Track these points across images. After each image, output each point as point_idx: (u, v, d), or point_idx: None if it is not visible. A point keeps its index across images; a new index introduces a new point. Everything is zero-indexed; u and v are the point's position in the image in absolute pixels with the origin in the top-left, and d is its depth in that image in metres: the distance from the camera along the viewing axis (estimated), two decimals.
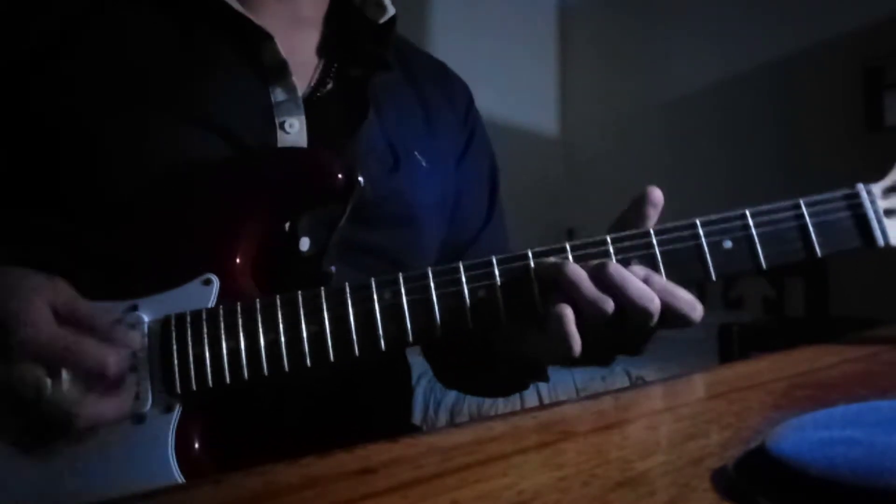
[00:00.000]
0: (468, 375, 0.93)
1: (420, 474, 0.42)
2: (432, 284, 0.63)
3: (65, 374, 0.58)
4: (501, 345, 0.77)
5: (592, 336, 0.61)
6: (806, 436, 0.39)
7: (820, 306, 2.97)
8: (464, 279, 0.63)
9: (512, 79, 4.01)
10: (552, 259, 0.63)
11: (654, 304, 0.60)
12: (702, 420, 0.53)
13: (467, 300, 0.63)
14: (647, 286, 0.61)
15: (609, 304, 0.60)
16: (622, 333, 0.63)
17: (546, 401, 2.12)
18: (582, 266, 0.61)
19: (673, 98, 3.94)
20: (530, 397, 2.18)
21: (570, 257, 0.64)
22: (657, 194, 0.66)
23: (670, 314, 0.61)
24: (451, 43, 3.53)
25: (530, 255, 0.64)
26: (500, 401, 2.18)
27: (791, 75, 3.43)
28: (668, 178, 3.56)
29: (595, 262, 0.62)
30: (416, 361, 0.90)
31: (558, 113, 4.56)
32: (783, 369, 0.71)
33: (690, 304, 0.62)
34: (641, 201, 0.66)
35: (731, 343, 2.59)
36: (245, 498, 0.40)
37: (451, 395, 2.28)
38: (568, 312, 0.60)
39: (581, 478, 0.39)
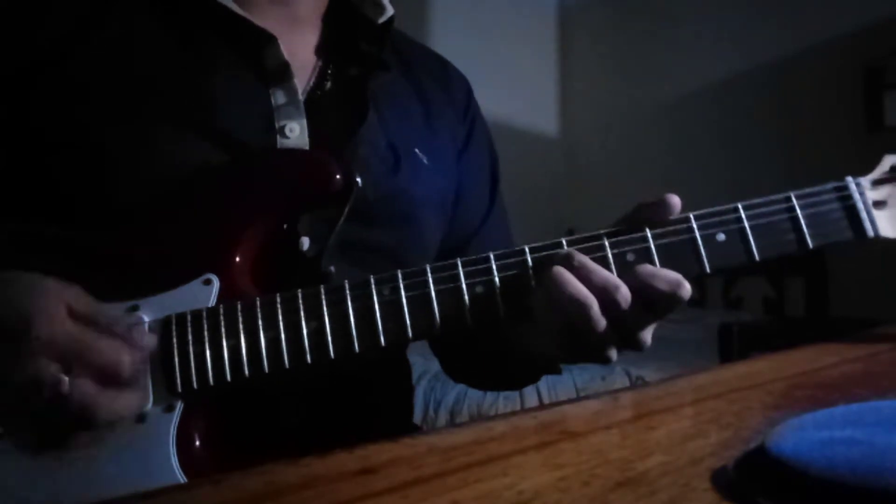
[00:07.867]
0: (480, 369, 0.93)
1: (420, 474, 0.42)
2: (431, 281, 0.63)
3: (80, 372, 0.58)
4: (513, 338, 0.76)
5: (586, 333, 0.60)
6: (806, 436, 0.39)
7: (820, 306, 2.96)
8: (462, 276, 0.64)
9: (512, 79, 4.01)
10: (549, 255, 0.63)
11: (622, 293, 0.59)
12: (702, 420, 0.53)
13: (466, 296, 0.63)
14: (610, 273, 0.60)
15: (591, 301, 0.59)
16: (617, 328, 0.61)
17: (546, 401, 2.12)
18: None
19: (673, 98, 3.94)
20: (530, 397, 2.18)
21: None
22: (676, 201, 0.64)
23: (656, 296, 0.60)
24: (451, 43, 3.51)
25: (527, 250, 0.64)
26: (501, 401, 2.17)
27: (791, 75, 3.43)
28: (668, 177, 3.58)
29: (561, 252, 0.62)
30: (416, 361, 0.91)
31: (558, 113, 4.56)
32: (783, 369, 0.71)
33: (674, 282, 0.60)
34: (660, 207, 0.64)
35: (731, 343, 2.58)
36: (245, 498, 0.40)
37: (451, 395, 2.27)
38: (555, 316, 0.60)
39: (581, 478, 0.39)
